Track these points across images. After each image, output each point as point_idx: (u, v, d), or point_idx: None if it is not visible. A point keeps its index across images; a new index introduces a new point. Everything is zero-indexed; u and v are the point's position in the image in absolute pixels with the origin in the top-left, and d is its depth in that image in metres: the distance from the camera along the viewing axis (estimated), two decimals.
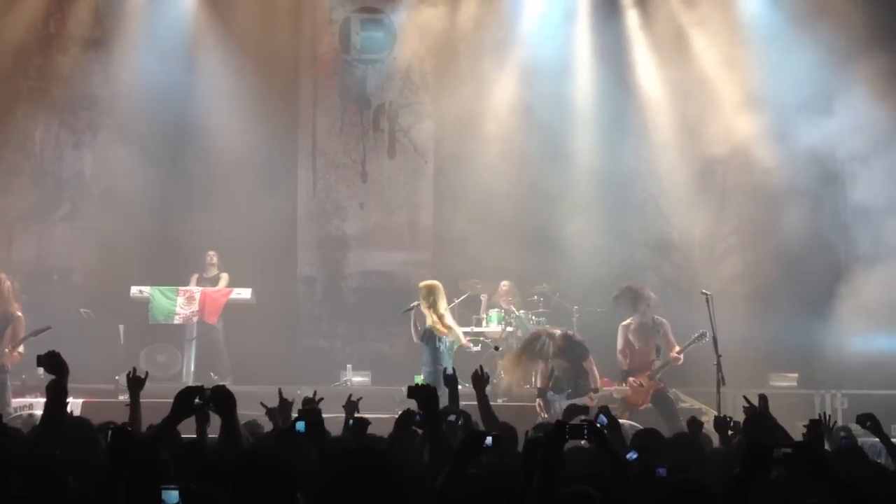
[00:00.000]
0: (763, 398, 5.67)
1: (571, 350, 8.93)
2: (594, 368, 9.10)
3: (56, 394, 4.30)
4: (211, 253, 11.83)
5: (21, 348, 9.35)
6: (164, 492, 3.09)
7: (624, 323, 9.51)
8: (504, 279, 11.93)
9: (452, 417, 5.15)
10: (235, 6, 12.78)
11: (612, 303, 9.68)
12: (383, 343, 12.89)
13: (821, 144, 11.85)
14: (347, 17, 13.38)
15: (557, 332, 9.20)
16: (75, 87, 12.88)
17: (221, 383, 10.46)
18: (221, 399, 3.94)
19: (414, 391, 4.42)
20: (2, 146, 12.74)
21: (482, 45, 12.83)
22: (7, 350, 9.28)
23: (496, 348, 10.92)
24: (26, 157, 12.91)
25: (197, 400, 3.99)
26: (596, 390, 8.95)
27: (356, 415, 5.47)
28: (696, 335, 9.20)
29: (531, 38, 12.88)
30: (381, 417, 7.07)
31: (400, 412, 4.93)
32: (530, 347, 9.19)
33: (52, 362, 4.34)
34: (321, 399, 5.61)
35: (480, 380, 5.72)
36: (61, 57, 12.78)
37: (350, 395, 5.69)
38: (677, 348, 9.37)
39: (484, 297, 12.11)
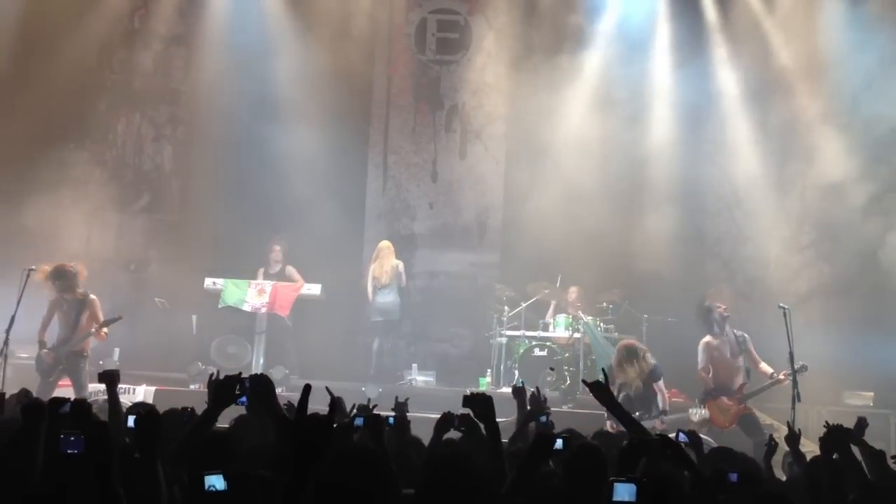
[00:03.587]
0: (861, 421, 5.44)
1: (649, 372, 8.90)
2: (664, 391, 8.97)
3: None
4: (276, 248, 11.88)
5: (106, 329, 9.52)
6: (207, 477, 3.10)
7: (704, 340, 9.25)
8: (573, 285, 11.84)
9: (543, 419, 5.14)
10: (315, 5, 12.95)
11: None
12: (448, 344, 12.91)
13: None
14: (424, 17, 13.45)
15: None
16: (157, 81, 13.23)
17: (293, 377, 10.75)
18: (261, 387, 3.92)
19: (470, 399, 4.35)
20: (85, 137, 13.13)
21: (558, 47, 12.74)
22: (93, 330, 9.48)
23: (551, 369, 10.83)
24: (108, 148, 13.28)
25: (237, 390, 4.02)
26: (665, 413, 8.78)
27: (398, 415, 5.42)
28: (800, 366, 8.64)
29: (608, 42, 12.75)
30: None
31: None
32: (632, 352, 8.97)
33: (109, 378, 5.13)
34: (375, 406, 5.63)
35: (538, 402, 5.76)
36: (144, 51, 13.13)
37: (396, 397, 5.70)
38: (764, 365, 9.15)
39: (553, 303, 12.02)
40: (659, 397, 8.86)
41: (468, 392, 4.57)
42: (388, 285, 11.69)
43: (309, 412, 3.04)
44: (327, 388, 5.00)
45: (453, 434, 4.79)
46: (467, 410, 4.49)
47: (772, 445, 5.56)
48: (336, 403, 4.99)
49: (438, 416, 4.80)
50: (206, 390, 5.63)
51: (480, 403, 4.22)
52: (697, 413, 8.96)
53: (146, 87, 13.21)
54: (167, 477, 3.41)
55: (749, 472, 4.08)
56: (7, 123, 11.83)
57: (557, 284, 11.87)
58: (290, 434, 2.63)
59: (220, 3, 12.93)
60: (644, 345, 9.62)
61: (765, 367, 9.23)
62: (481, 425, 4.32)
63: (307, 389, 2.84)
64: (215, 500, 3.08)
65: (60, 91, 12.26)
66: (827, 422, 4.96)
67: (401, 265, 11.84)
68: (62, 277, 9.45)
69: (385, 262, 11.79)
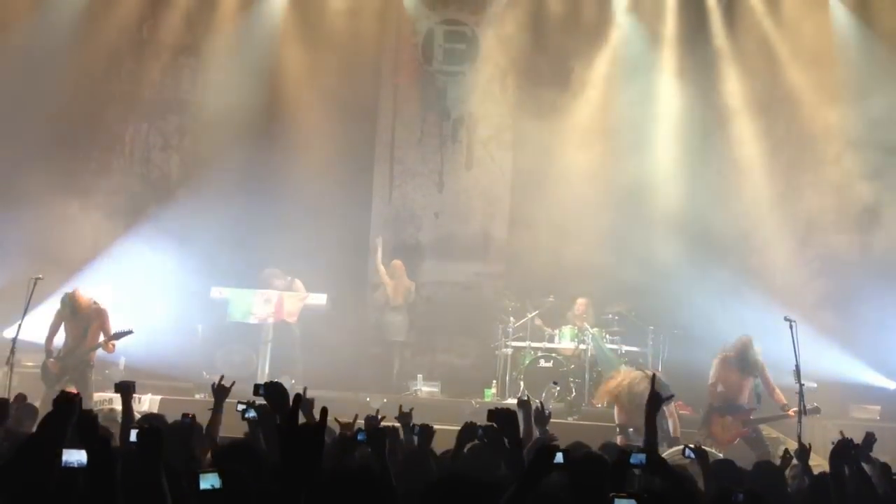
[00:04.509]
0: (869, 436, 5.41)
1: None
2: (675, 414, 8.83)
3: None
4: (277, 283, 11.74)
5: (114, 342, 9.52)
6: (203, 477, 3.10)
7: (720, 357, 9.18)
8: (580, 296, 11.82)
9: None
10: (322, 16, 13.01)
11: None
12: (453, 354, 12.89)
13: None
14: (431, 28, 13.47)
15: (648, 373, 8.93)
16: (166, 91, 13.29)
17: (298, 387, 10.73)
18: (276, 394, 3.95)
19: (495, 414, 4.45)
20: (93, 146, 13.17)
21: (565, 60, 12.76)
22: (102, 342, 9.48)
23: (554, 383, 10.81)
24: (116, 157, 13.34)
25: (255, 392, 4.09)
26: (677, 440, 8.30)
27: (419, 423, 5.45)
28: (812, 408, 8.56)
29: (615, 55, 12.78)
30: (449, 429, 7.03)
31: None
32: (632, 392, 8.51)
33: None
34: (383, 417, 5.65)
35: (542, 416, 5.88)
36: (153, 62, 13.19)
37: (401, 406, 5.73)
38: (779, 394, 9.06)
39: (538, 320, 11.91)
40: (669, 422, 8.54)
41: (477, 404, 4.62)
42: (400, 306, 12.21)
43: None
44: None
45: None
46: (491, 423, 4.58)
47: (787, 458, 5.58)
48: (323, 412, 5.01)
49: (443, 427, 4.83)
50: (211, 399, 5.67)
51: (504, 418, 4.36)
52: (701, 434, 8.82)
53: (154, 96, 13.27)
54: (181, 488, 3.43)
55: (755, 491, 4.05)
56: (15, 132, 11.88)
57: (550, 298, 11.85)
58: (280, 445, 2.62)
59: (228, 14, 13.00)
60: (647, 369, 9.53)
61: (779, 395, 9.10)
62: (505, 439, 4.43)
63: (297, 399, 2.84)
64: (212, 499, 3.08)
65: (69, 100, 12.31)
66: (842, 432, 4.96)
67: (413, 286, 12.40)
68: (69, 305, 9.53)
69: (400, 283, 12.28)
